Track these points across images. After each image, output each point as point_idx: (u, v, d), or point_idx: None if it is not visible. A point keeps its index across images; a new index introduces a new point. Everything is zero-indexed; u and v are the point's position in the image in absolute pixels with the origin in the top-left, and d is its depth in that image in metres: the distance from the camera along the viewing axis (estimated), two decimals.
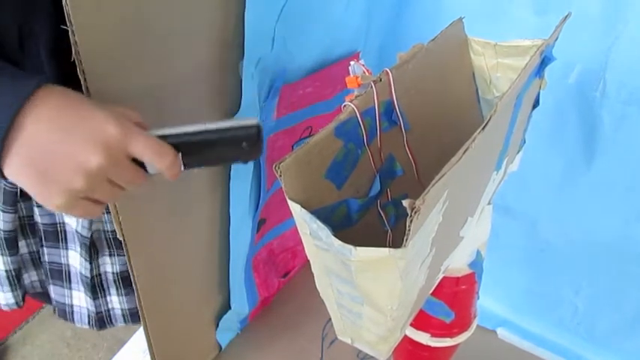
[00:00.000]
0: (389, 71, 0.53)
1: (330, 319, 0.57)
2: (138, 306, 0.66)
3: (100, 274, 0.73)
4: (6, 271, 0.74)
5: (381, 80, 0.53)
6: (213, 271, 0.82)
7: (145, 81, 0.52)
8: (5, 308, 0.80)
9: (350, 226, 0.51)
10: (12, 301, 0.78)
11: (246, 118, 0.48)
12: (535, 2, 0.77)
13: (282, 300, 1.02)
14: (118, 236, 0.57)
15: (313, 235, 0.44)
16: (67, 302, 0.77)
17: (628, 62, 0.73)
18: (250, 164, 0.74)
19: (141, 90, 0.52)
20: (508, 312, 1.03)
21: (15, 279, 0.76)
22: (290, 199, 0.43)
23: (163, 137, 0.44)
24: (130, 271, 0.62)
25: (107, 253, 0.72)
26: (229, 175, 0.70)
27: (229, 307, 0.88)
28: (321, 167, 0.48)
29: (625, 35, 0.72)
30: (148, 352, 0.73)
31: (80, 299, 0.76)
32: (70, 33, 0.42)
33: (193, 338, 0.86)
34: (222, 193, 0.73)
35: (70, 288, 0.75)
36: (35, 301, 0.89)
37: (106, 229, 0.71)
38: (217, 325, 0.90)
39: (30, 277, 0.79)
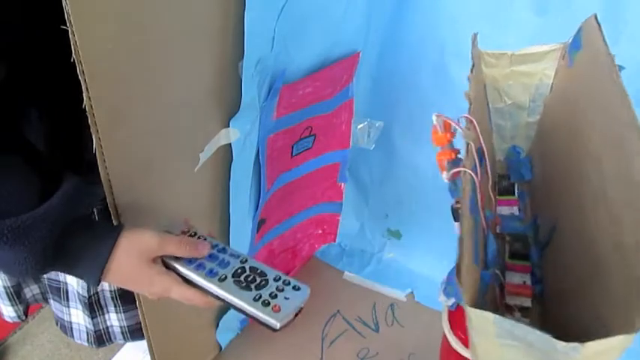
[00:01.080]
0: (471, 118, 0.51)
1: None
2: (138, 306, 0.66)
3: (97, 293, 0.73)
4: (5, 287, 0.75)
5: (469, 129, 0.50)
6: None
7: (144, 81, 0.52)
8: (9, 320, 0.80)
9: (482, 297, 0.48)
10: (14, 314, 0.79)
11: (273, 315, 0.49)
12: (535, 3, 0.77)
13: None
14: None
15: (502, 336, 0.39)
16: (65, 319, 0.77)
17: (628, 62, 0.73)
18: (250, 164, 0.74)
19: (140, 90, 0.52)
20: None
21: (14, 294, 0.76)
22: (472, 306, 0.39)
23: (199, 287, 0.52)
24: None
25: None
26: (229, 175, 0.70)
27: (229, 307, 0.88)
28: (470, 254, 0.45)
29: (625, 35, 0.72)
30: (147, 352, 0.73)
31: (78, 317, 0.76)
32: (69, 33, 0.42)
33: (193, 338, 0.86)
34: (222, 193, 0.73)
35: (69, 306, 0.75)
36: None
37: None
38: (217, 325, 0.90)
39: (32, 290, 0.79)
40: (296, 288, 0.51)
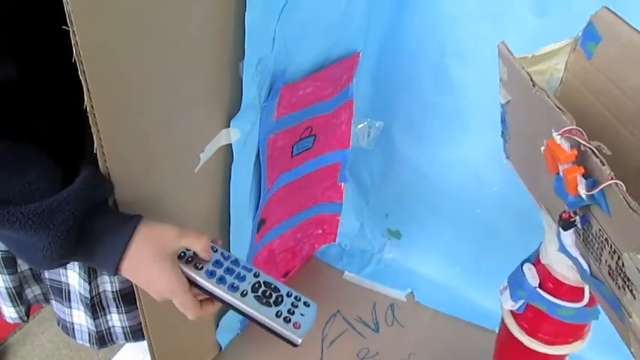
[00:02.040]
0: (579, 128, 0.51)
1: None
2: (138, 306, 0.66)
3: (99, 294, 0.73)
4: (6, 288, 0.75)
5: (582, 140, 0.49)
6: None
7: (145, 81, 0.52)
8: (10, 321, 0.80)
9: None
10: (15, 315, 0.79)
11: (296, 332, 0.53)
12: (535, 3, 0.77)
13: None
14: None
15: None
16: (67, 319, 0.77)
17: None
18: (251, 164, 0.74)
19: (141, 90, 0.52)
20: None
21: (16, 296, 0.76)
22: None
23: (217, 297, 0.53)
24: None
25: None
26: (229, 175, 0.70)
27: (229, 308, 0.88)
28: None
29: None
30: (147, 352, 0.73)
31: (80, 318, 0.76)
32: (71, 33, 0.42)
33: (193, 338, 0.86)
34: (222, 193, 0.73)
35: (70, 307, 0.75)
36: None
37: None
38: (217, 325, 0.90)
39: (33, 291, 0.79)
40: (307, 304, 0.54)
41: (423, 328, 1.01)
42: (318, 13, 0.73)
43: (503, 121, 0.63)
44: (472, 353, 0.97)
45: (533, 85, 0.53)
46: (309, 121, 0.83)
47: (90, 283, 0.70)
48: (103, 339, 0.78)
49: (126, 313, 0.75)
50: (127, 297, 0.72)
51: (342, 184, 1.02)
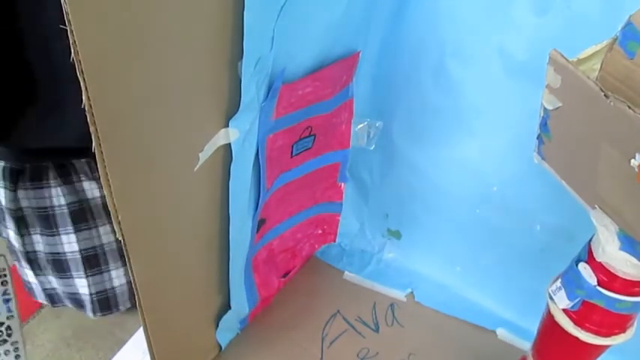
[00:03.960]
0: None
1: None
2: (138, 306, 0.66)
3: (95, 247, 0.73)
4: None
5: None
6: (213, 271, 0.82)
7: (143, 81, 0.52)
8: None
9: None
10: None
11: None
12: (535, 3, 0.77)
13: (282, 300, 1.02)
14: (117, 236, 0.57)
15: None
16: (72, 292, 0.77)
17: None
18: (250, 164, 0.74)
19: (139, 89, 0.52)
20: (508, 312, 1.03)
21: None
22: None
23: None
24: (129, 270, 0.62)
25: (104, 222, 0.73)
26: (229, 175, 0.71)
27: (229, 307, 0.88)
28: None
29: None
30: (147, 352, 0.73)
31: (82, 284, 0.76)
32: (68, 32, 0.42)
33: (193, 338, 0.86)
34: (222, 193, 0.73)
35: (72, 277, 0.75)
36: (35, 301, 0.89)
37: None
38: (217, 325, 0.90)
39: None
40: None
41: (423, 328, 1.01)
42: (318, 12, 0.72)
43: (544, 124, 0.64)
44: (472, 353, 0.97)
45: (607, 97, 0.53)
46: (308, 120, 0.83)
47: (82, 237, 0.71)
48: (107, 302, 0.78)
49: (123, 267, 0.75)
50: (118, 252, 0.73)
51: (342, 184, 1.02)
